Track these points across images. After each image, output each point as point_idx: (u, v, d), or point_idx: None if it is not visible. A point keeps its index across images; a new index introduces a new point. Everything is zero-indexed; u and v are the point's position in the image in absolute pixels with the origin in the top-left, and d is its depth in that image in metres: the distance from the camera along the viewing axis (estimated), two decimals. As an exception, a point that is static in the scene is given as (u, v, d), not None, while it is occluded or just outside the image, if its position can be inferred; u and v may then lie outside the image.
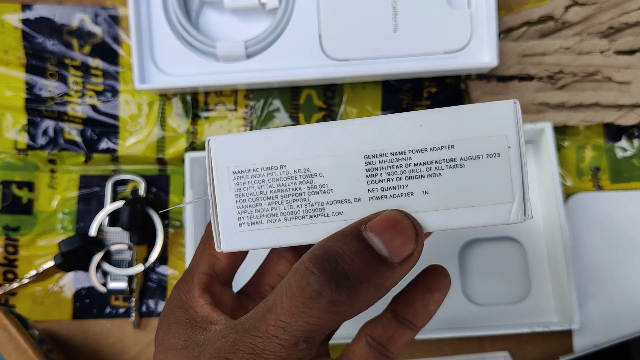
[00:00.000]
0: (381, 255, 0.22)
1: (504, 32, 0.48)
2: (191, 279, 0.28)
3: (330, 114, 0.49)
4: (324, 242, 0.22)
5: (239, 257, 0.30)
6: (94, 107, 0.50)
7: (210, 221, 0.28)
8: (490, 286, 0.46)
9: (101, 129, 0.49)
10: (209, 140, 0.24)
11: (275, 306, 0.21)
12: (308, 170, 0.24)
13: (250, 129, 0.49)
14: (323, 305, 0.21)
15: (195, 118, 0.49)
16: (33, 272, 0.47)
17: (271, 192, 0.24)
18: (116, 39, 0.50)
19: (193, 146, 0.49)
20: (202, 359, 0.23)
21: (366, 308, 0.22)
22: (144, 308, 0.48)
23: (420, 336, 0.44)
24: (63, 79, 0.50)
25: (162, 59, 0.47)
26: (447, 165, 0.23)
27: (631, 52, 0.46)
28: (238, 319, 0.24)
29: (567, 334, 0.45)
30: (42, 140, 0.49)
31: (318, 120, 0.49)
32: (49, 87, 0.50)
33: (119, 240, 0.48)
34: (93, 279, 0.47)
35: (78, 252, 0.46)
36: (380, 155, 0.23)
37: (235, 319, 0.26)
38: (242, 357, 0.21)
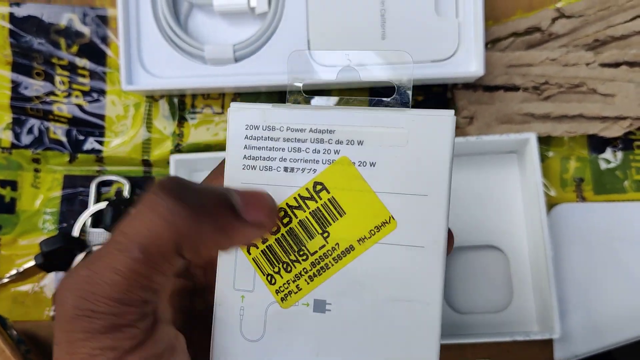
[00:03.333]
0: (233, 202, 0.22)
1: (491, 43, 0.48)
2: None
3: (317, 120, 0.49)
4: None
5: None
6: (80, 107, 0.49)
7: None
8: (472, 294, 0.46)
9: (87, 129, 0.49)
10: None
11: (119, 225, 0.21)
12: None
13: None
14: (160, 211, 0.20)
15: (181, 120, 0.49)
16: (14, 272, 0.47)
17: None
18: (104, 40, 0.50)
19: (179, 148, 0.49)
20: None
21: (206, 249, 0.21)
22: (125, 310, 0.48)
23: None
24: (50, 78, 0.49)
25: (149, 61, 0.47)
26: None
27: (616, 64, 0.46)
28: None
29: (548, 344, 0.46)
30: (26, 139, 0.49)
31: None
32: (35, 86, 0.49)
33: (101, 241, 0.48)
34: (74, 279, 0.47)
35: (60, 252, 0.46)
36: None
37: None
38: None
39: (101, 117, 0.49)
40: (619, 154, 0.48)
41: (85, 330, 0.20)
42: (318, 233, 0.24)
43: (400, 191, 0.23)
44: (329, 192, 0.24)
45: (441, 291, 0.23)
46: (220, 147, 0.49)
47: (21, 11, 0.49)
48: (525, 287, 0.46)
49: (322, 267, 0.24)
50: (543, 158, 0.48)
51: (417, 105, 0.49)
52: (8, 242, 0.48)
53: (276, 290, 0.24)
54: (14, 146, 0.49)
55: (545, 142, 0.48)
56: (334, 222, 0.24)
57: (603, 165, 0.48)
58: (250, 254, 0.24)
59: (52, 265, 0.47)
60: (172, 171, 0.45)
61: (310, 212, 0.24)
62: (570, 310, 0.46)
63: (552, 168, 0.48)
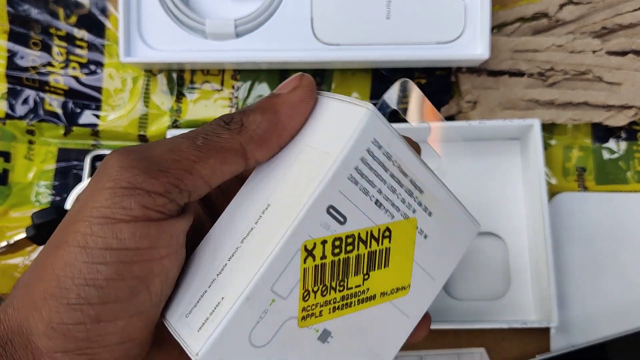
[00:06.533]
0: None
1: (497, 27, 0.48)
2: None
3: (317, 100, 0.48)
4: None
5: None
6: (76, 79, 0.48)
7: None
8: (469, 281, 0.46)
9: (83, 102, 0.48)
10: None
11: None
12: None
13: (236, 110, 0.48)
14: None
15: (180, 96, 0.48)
16: (4, 243, 0.46)
17: None
18: (104, 11, 0.49)
19: (176, 124, 0.48)
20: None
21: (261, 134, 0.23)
22: (116, 287, 0.47)
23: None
24: (47, 49, 0.48)
25: (149, 33, 0.46)
26: None
27: (623, 53, 0.46)
28: None
29: (544, 333, 0.45)
30: (21, 110, 0.48)
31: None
32: (31, 56, 0.48)
33: (95, 216, 0.47)
34: (66, 254, 0.46)
35: (52, 225, 0.45)
36: None
37: None
38: None
39: (98, 89, 0.48)
40: (623, 144, 0.47)
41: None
42: (362, 273, 0.24)
43: (424, 267, 0.26)
44: (390, 242, 0.24)
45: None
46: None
47: (19, -21, 0.48)
48: (524, 275, 0.46)
49: (347, 304, 0.24)
50: (546, 146, 0.47)
51: (419, 88, 0.48)
52: (-1, 214, 0.47)
53: (303, 308, 0.23)
54: (8, 116, 0.48)
55: (548, 130, 0.47)
56: (377, 270, 0.24)
57: (606, 156, 0.47)
58: (305, 262, 0.22)
59: (43, 238, 0.46)
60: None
61: (369, 252, 0.24)
62: (568, 300, 0.45)
63: (555, 156, 0.47)
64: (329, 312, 0.24)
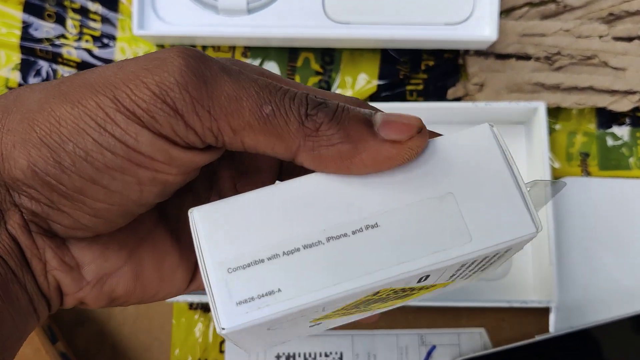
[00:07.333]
0: (372, 119, 0.20)
1: (506, 12, 0.48)
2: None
3: (326, 80, 0.49)
4: None
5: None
6: (89, 52, 0.49)
7: None
8: (471, 261, 0.46)
9: (95, 75, 0.49)
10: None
11: None
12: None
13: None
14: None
15: (190, 71, 0.49)
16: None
17: None
18: (118, -14, 0.49)
19: (186, 99, 0.49)
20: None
21: (329, 153, 0.20)
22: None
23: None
24: (61, 21, 0.49)
25: (162, 7, 0.46)
26: None
27: (629, 39, 0.46)
28: None
29: (544, 315, 0.45)
30: (33, 81, 0.49)
31: (314, 85, 0.49)
32: (45, 27, 0.49)
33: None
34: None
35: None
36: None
37: None
38: None
39: (110, 63, 0.49)
40: (626, 131, 0.48)
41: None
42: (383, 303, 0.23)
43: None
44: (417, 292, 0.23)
45: None
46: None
47: (36, -48, 0.49)
48: (525, 257, 0.46)
49: (350, 312, 0.23)
50: (550, 131, 0.47)
51: (427, 70, 0.48)
52: (9, 182, 0.48)
53: (326, 315, 0.22)
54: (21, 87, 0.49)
55: (553, 115, 0.48)
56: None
57: (609, 142, 0.48)
58: (365, 297, 0.21)
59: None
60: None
61: (404, 295, 0.23)
62: (568, 282, 0.46)
63: (559, 142, 0.48)
64: (336, 316, 0.23)
